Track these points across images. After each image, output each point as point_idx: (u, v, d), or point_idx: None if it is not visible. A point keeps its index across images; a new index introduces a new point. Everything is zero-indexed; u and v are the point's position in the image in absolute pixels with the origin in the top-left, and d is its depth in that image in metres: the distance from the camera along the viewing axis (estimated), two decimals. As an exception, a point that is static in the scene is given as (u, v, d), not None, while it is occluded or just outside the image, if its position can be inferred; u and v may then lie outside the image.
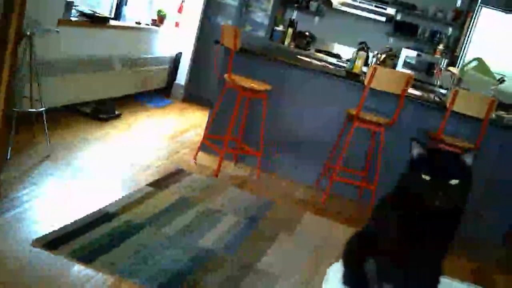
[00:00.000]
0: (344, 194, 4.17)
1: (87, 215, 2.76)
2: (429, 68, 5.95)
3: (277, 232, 3.15)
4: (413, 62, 5.97)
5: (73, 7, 4.33)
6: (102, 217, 2.78)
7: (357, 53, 4.36)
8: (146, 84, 5.78)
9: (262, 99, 4.00)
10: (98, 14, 4.59)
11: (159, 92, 6.22)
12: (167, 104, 6.00)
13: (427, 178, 1.21)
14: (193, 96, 6.34)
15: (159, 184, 3.46)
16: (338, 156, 3.92)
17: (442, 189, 1.20)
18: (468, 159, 1.26)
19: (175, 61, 6.29)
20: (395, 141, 3.98)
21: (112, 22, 4.96)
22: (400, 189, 1.30)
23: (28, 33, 3.25)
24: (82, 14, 4.43)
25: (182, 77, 6.33)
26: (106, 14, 5.08)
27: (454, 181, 1.21)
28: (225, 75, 3.91)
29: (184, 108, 6.08)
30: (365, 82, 3.67)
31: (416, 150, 1.27)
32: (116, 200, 3.03)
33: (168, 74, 6.27)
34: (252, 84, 3.87)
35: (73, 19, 4.29)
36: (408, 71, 5.95)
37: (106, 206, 2.92)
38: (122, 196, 3.11)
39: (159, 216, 2.96)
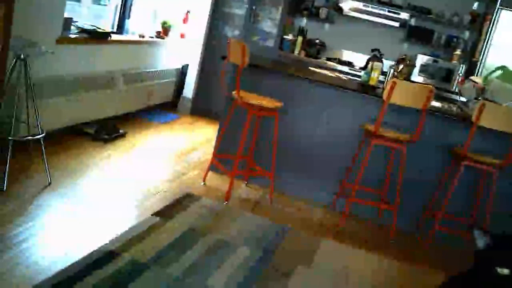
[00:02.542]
0: (363, 215, 3.92)
1: (89, 254, 2.54)
2: (446, 75, 5.68)
3: (293, 265, 2.90)
4: (430, 68, 5.70)
5: (72, 24, 4.13)
6: (104, 256, 2.55)
7: (372, 64, 4.08)
8: (151, 99, 5.55)
9: (273, 117, 3.75)
10: (99, 30, 4.38)
11: (165, 107, 6.00)
12: (174, 119, 5.79)
13: (506, 272, 0.98)
14: (201, 109, 6.11)
15: (166, 212, 3.23)
16: (355, 175, 3.67)
17: None
18: None
19: (182, 73, 6.07)
20: (415, 158, 3.74)
21: (114, 37, 4.75)
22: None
23: (22, 55, 3.04)
24: (82, 30, 4.22)
25: (189, 90, 6.12)
26: (108, 29, 4.88)
27: None
28: (233, 93, 3.67)
29: (192, 122, 5.86)
30: (384, 97, 3.41)
31: (481, 241, 1.04)
32: (119, 234, 2.81)
33: (174, 88, 6.05)
34: (263, 102, 3.63)
35: (72, 36, 4.09)
36: (425, 78, 5.71)
37: (108, 242, 2.69)
38: (126, 230, 2.89)
39: (165, 252, 2.72)
